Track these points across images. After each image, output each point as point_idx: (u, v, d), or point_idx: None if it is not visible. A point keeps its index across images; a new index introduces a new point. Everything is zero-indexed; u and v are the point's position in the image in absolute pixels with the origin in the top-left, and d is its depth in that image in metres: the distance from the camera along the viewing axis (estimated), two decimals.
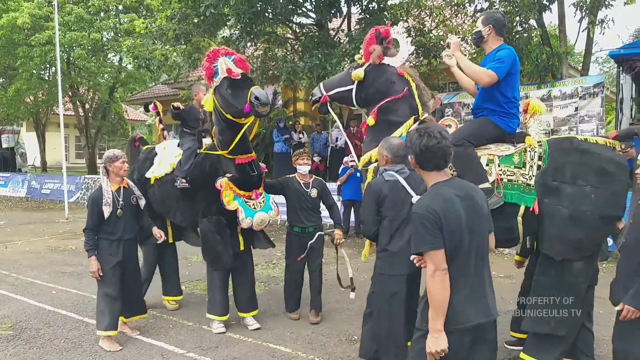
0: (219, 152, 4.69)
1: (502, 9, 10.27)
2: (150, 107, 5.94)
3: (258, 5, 11.12)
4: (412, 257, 2.52)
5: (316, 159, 12.01)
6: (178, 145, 5.32)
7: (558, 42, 10.44)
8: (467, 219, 2.39)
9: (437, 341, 2.31)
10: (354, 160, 10.17)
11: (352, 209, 9.78)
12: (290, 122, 13.28)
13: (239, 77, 4.34)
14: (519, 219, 3.60)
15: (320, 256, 5.24)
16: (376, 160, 3.94)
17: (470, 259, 2.40)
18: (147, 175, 5.24)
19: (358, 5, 12.16)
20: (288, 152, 12.12)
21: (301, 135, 12.55)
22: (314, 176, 5.34)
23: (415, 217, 2.39)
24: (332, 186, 10.91)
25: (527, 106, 4.14)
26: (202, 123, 5.23)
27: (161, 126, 5.92)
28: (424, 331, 2.43)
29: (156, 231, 4.66)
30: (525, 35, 10.53)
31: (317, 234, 5.12)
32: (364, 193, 3.82)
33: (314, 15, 12.59)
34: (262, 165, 5.05)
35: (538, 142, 3.77)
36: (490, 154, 3.77)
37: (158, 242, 4.77)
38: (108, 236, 4.36)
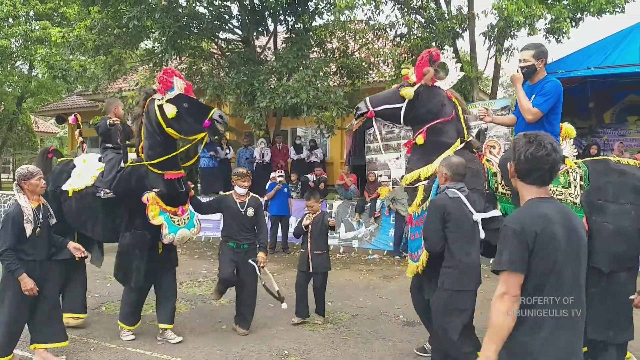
0: (147, 165, 4.69)
1: (420, 35, 10.98)
2: (71, 118, 5.85)
3: (183, 19, 11.03)
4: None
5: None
6: (100, 160, 5.21)
7: (470, 67, 11.26)
8: (566, 247, 2.10)
9: None
10: (282, 176, 10.32)
11: (280, 225, 9.87)
12: (216, 137, 13.17)
13: (194, 97, 4.68)
14: None
15: (254, 278, 5.27)
16: (425, 179, 4.09)
17: (560, 293, 2.08)
18: (64, 187, 5.09)
19: (284, 25, 12.40)
20: (215, 167, 12.02)
21: (228, 151, 12.49)
22: (251, 194, 5.38)
23: (504, 231, 2.12)
24: None
25: (561, 130, 4.40)
26: (120, 137, 5.18)
27: (81, 139, 5.79)
28: None
29: (72, 246, 4.43)
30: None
31: (250, 262, 5.17)
32: (428, 209, 3.82)
33: (240, 32, 12.66)
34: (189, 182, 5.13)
35: (576, 163, 4.11)
36: None
37: (76, 258, 4.56)
38: (23, 256, 4.11)
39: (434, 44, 10.75)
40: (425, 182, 4.11)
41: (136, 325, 5.05)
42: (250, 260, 5.16)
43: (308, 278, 5.50)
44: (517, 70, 4.17)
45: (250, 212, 5.19)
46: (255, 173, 12.52)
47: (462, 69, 4.72)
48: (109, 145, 5.27)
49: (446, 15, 10.80)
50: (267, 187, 10.24)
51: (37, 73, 20.24)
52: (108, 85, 13.74)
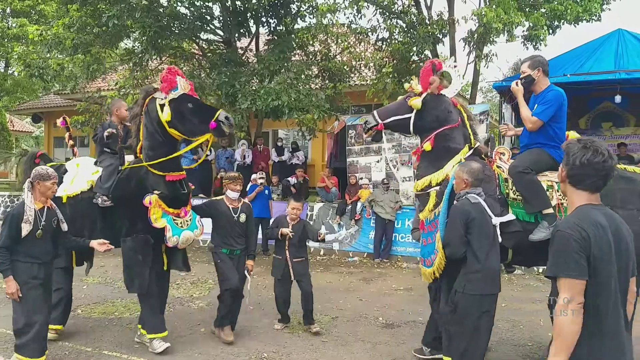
0: (147, 166, 4.56)
1: (401, 39, 11.07)
2: (59, 121, 5.65)
3: (164, 19, 10.94)
4: None
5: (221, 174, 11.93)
6: (96, 163, 5.06)
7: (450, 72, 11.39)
8: (617, 254, 2.10)
9: None
10: (263, 178, 10.30)
11: (260, 227, 9.84)
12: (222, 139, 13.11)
13: (198, 98, 4.57)
14: None
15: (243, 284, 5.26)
16: (437, 184, 4.14)
17: (610, 301, 2.07)
18: (58, 193, 4.79)
19: (266, 26, 12.39)
20: (195, 169, 11.97)
21: (208, 152, 12.40)
22: (242, 200, 5.35)
23: (559, 236, 2.09)
24: None
25: (567, 137, 4.48)
26: (120, 140, 5.06)
27: (71, 142, 5.63)
28: None
29: (96, 243, 4.33)
30: (421, 64, 11.38)
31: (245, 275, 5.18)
32: (450, 216, 3.85)
33: (221, 33, 12.60)
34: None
35: None
36: (549, 180, 4.13)
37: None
38: (24, 258, 4.01)
39: (414, 48, 10.87)
40: (437, 187, 4.17)
41: (166, 332, 4.78)
42: (245, 272, 5.15)
43: (288, 285, 5.43)
44: (517, 83, 4.30)
45: (243, 217, 5.14)
46: None
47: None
48: (107, 149, 5.09)
49: (427, 20, 10.92)
50: (247, 189, 10.20)
51: (14, 71, 19.84)
52: (87, 84, 13.53)
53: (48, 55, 12.12)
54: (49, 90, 19.62)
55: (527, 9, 10.13)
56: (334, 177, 11.15)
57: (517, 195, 4.11)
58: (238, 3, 11.89)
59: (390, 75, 11.65)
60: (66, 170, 5.12)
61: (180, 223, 4.69)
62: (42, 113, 19.27)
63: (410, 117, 4.35)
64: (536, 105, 4.22)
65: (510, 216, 3.97)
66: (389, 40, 11.31)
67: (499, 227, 3.84)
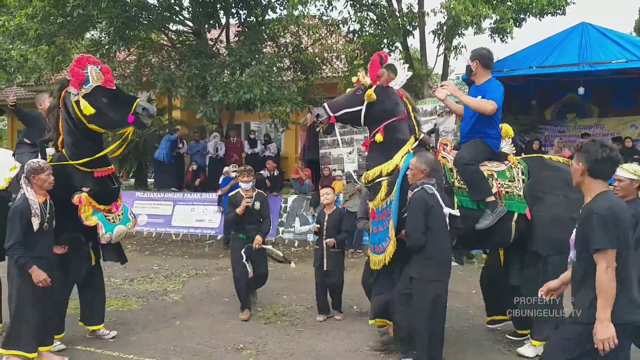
0: (74, 165, 4.36)
1: (372, 31, 11.15)
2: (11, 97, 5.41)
3: (132, 10, 10.72)
4: None
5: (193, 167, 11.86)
6: (13, 155, 4.84)
7: (420, 64, 11.55)
8: (631, 226, 2.74)
9: (609, 330, 2.54)
10: (236, 171, 10.24)
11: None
12: (167, 131, 12.93)
13: (114, 87, 4.25)
14: (513, 223, 4.34)
15: (265, 265, 5.83)
16: (387, 175, 4.23)
17: (630, 263, 2.67)
18: None
19: (236, 18, 12.28)
20: (170, 162, 11.98)
21: (181, 145, 12.29)
22: (256, 190, 5.73)
23: (596, 217, 2.61)
24: (213, 196, 10.85)
25: (501, 129, 4.74)
26: (45, 133, 4.84)
27: None
28: (581, 324, 2.69)
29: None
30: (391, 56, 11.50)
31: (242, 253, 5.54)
32: (409, 206, 3.91)
33: (191, 24, 12.43)
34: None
35: (517, 160, 4.60)
36: (489, 170, 4.42)
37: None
38: (30, 252, 3.94)
39: (385, 40, 10.97)
40: (388, 177, 4.27)
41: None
42: (242, 252, 5.50)
43: (324, 275, 5.55)
44: (438, 86, 4.56)
45: (257, 205, 5.60)
46: (209, 167, 12.44)
47: (410, 69, 4.95)
48: (27, 140, 4.87)
49: (397, 12, 11.03)
50: (220, 182, 10.15)
51: None
52: (52, 76, 13.17)
53: (11, 46, 11.74)
54: (12, 82, 19.01)
55: (494, 2, 10.33)
56: (307, 169, 11.19)
57: (461, 184, 4.35)
58: None
59: (362, 67, 11.71)
60: None
61: (112, 218, 4.54)
62: (4, 106, 18.64)
63: (361, 110, 4.41)
64: (480, 96, 4.40)
65: (457, 212, 4.13)
66: (360, 32, 11.39)
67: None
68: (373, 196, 4.40)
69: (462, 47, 11.11)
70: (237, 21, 12.36)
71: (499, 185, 4.36)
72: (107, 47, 11.46)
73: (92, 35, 13.08)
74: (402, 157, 4.25)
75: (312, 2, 10.30)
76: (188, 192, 11.73)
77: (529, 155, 5.02)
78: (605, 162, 2.72)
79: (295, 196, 10.73)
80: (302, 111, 11.64)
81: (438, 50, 11.28)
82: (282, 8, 11.83)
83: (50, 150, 4.57)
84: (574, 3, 11.13)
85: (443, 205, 3.89)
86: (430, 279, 3.84)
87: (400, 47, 11.42)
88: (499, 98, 4.34)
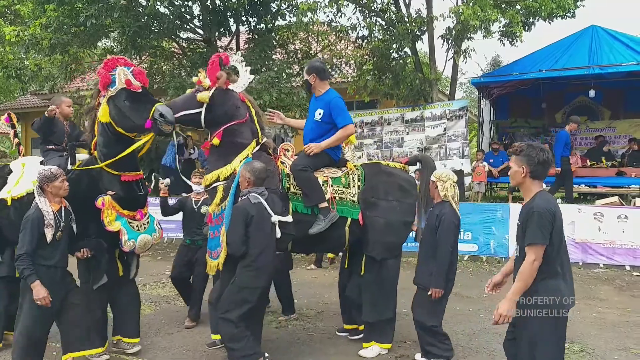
0: (102, 167, 4.29)
1: (381, 37, 11.20)
2: (3, 118, 5.40)
3: (144, 19, 10.88)
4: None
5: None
6: (42, 162, 4.80)
7: (429, 69, 11.57)
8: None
9: (511, 310, 2.88)
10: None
11: None
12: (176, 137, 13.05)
13: (139, 90, 4.16)
14: (347, 228, 4.47)
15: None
16: (225, 179, 4.21)
17: (565, 254, 2.95)
18: (1, 195, 4.56)
19: (246, 25, 12.40)
20: (176, 168, 11.95)
21: (192, 151, 12.40)
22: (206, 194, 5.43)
23: (536, 215, 2.84)
24: None
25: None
26: (67, 137, 4.86)
27: (16, 140, 5.40)
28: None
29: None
30: (401, 62, 11.55)
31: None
32: (232, 215, 3.94)
33: (201, 32, 12.58)
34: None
35: (355, 166, 4.70)
36: (324, 176, 4.51)
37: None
38: (45, 262, 3.85)
39: (394, 45, 11.02)
40: (225, 182, 4.22)
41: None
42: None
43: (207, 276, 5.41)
44: (310, 148, 4.53)
45: (204, 209, 5.37)
46: None
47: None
48: (51, 146, 4.87)
49: (406, 18, 11.06)
50: None
51: None
52: (65, 84, 13.38)
53: (25, 55, 11.96)
54: (26, 91, 19.34)
55: (502, 6, 10.34)
56: None
57: (297, 190, 4.39)
58: (218, 2, 11.86)
59: (371, 73, 11.78)
60: (11, 171, 4.82)
61: (137, 226, 4.39)
62: (19, 114, 18.95)
63: (200, 112, 4.23)
64: (320, 110, 4.53)
65: (289, 218, 4.15)
66: (368, 38, 11.44)
67: (282, 225, 4.05)
68: (211, 201, 4.37)
69: (471, 50, 11.12)
70: (247, 28, 12.47)
71: (333, 192, 4.43)
72: (119, 55, 11.62)
73: (105, 44, 13.29)
74: (241, 161, 4.18)
75: (321, 9, 10.39)
76: None
77: (366, 162, 5.11)
78: (544, 164, 2.95)
79: None
80: None
81: (447, 55, 11.31)
82: (291, 15, 11.92)
83: (80, 156, 4.54)
84: (583, 6, 11.11)
85: (271, 213, 3.93)
86: (244, 285, 3.90)
87: (409, 52, 11.46)
88: (347, 114, 4.51)
